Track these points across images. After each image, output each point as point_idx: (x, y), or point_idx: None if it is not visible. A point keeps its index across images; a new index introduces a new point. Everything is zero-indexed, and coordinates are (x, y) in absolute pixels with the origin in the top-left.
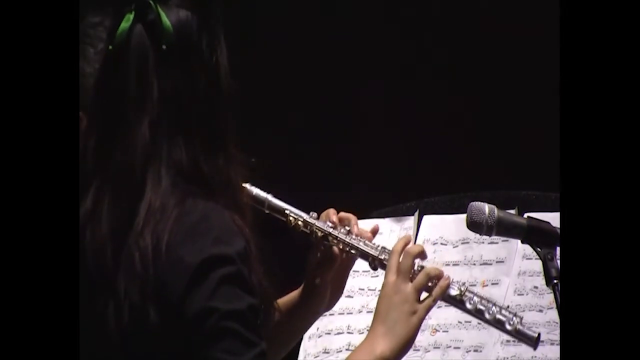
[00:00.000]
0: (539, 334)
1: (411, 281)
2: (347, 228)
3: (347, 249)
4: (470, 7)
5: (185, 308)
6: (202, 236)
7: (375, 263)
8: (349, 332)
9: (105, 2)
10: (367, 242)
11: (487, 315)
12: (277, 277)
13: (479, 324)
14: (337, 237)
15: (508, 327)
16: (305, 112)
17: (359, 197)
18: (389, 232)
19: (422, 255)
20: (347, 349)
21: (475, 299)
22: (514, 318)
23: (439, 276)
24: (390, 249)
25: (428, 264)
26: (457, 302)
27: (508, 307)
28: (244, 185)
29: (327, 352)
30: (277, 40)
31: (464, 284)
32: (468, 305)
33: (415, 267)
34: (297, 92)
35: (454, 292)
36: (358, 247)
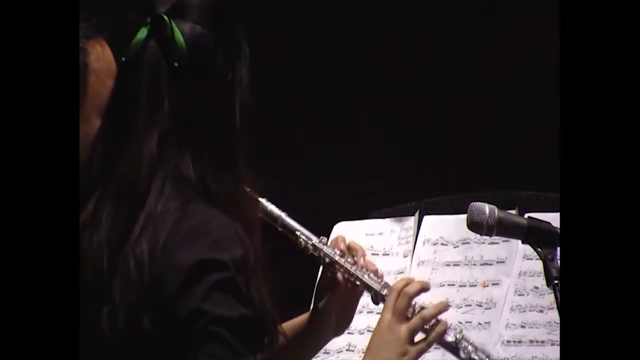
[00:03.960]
0: None
1: (407, 321)
2: (355, 258)
3: (352, 279)
4: (471, 7)
5: (176, 309)
6: (200, 239)
7: (377, 298)
8: (349, 333)
9: (104, 3)
10: (371, 275)
11: None
12: (282, 292)
13: (479, 324)
14: (343, 266)
15: None
16: (305, 112)
17: (359, 197)
18: (389, 232)
19: (422, 292)
20: (347, 349)
21: (470, 348)
22: None
23: (436, 317)
24: (393, 283)
25: (430, 265)
26: (451, 349)
27: None
28: (259, 199)
29: (328, 353)
30: (276, 41)
31: (460, 331)
32: (462, 354)
33: (416, 307)
34: (298, 92)
35: (449, 338)
36: (362, 280)
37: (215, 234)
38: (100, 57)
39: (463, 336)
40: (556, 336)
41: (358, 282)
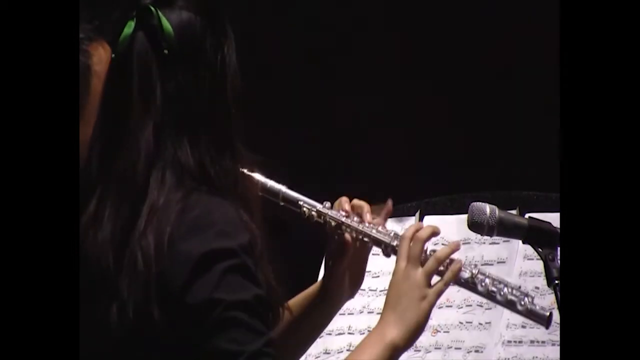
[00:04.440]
0: (551, 313)
1: (422, 266)
2: (361, 216)
3: (360, 236)
4: (471, 8)
5: (188, 300)
6: (205, 230)
7: (388, 250)
8: (349, 333)
9: (104, 2)
10: (379, 229)
11: (498, 297)
12: (286, 275)
13: (480, 324)
14: (350, 225)
15: (519, 307)
16: (306, 112)
17: (359, 197)
18: None
19: (433, 235)
20: (347, 350)
21: (487, 280)
22: (526, 298)
23: (450, 259)
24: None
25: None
26: (469, 285)
27: (520, 287)
28: (257, 178)
29: (328, 353)
30: (280, 38)
31: (475, 265)
32: (479, 288)
33: (428, 252)
34: (299, 92)
35: (465, 275)
36: (370, 235)
37: (220, 223)
38: (102, 59)
39: (479, 270)
40: (557, 336)
41: (367, 239)
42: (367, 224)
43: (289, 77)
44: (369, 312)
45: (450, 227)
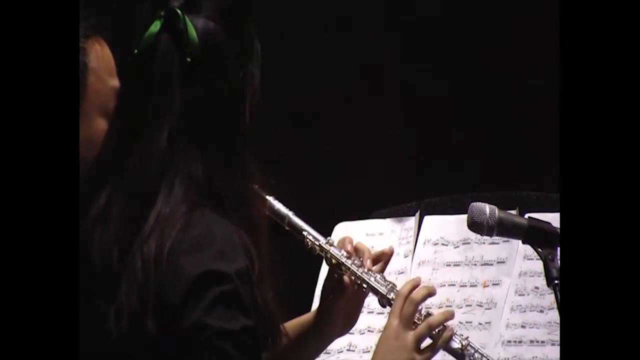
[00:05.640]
0: None
1: (414, 327)
2: (362, 260)
3: (358, 281)
4: (471, 7)
5: (180, 319)
6: (205, 248)
7: (384, 301)
8: (349, 333)
9: (103, 2)
10: (377, 277)
11: None
12: (287, 294)
13: (480, 324)
14: (350, 268)
15: None
16: (306, 112)
17: (359, 197)
18: (389, 232)
19: (429, 297)
20: (347, 349)
21: (476, 355)
22: None
23: (443, 326)
24: (399, 288)
25: (430, 265)
26: (457, 355)
27: None
28: (267, 197)
29: (328, 353)
30: (278, 39)
31: (466, 337)
32: None
33: (423, 312)
34: (299, 92)
35: (455, 345)
36: (368, 282)
37: (220, 243)
38: (99, 56)
39: (469, 343)
40: (556, 336)
41: (365, 285)
42: (366, 270)
43: (290, 76)
44: (368, 312)
45: (450, 227)
